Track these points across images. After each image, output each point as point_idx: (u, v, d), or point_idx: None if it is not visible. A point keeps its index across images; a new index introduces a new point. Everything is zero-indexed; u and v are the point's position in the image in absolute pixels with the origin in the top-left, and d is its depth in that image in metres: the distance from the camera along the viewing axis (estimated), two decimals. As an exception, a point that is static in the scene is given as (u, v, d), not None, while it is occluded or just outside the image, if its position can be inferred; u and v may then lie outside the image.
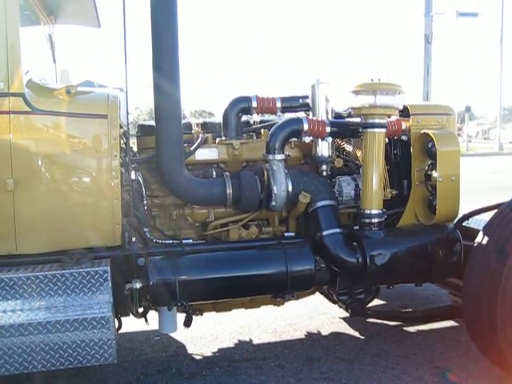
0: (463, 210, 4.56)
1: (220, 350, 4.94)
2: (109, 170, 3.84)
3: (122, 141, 4.05)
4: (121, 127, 4.00)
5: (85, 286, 3.72)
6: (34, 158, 3.70)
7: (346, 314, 5.25)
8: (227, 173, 4.37)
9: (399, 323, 5.37)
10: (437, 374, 4.35)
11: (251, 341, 5.13)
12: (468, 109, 39.13)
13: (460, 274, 4.32)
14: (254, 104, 4.61)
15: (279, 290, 4.29)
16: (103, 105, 3.87)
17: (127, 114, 4.02)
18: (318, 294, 5.19)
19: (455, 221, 4.58)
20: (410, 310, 5.76)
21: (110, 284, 3.75)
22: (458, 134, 5.04)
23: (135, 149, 4.64)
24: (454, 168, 4.44)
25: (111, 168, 3.84)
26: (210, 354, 4.88)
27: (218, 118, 4.82)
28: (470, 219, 4.59)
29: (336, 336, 5.18)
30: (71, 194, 3.80)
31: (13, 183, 3.64)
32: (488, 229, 4.08)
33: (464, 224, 4.57)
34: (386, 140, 4.47)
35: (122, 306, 4.13)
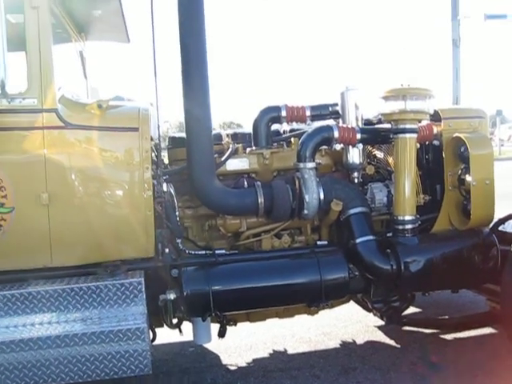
0: (498, 214, 4.48)
1: (254, 361, 4.92)
2: (141, 183, 3.88)
3: (153, 153, 4.09)
4: (152, 140, 4.05)
5: (119, 298, 3.76)
6: (67, 172, 3.76)
7: (381, 323, 5.20)
8: (258, 182, 4.37)
9: (436, 331, 5.29)
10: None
11: (286, 350, 5.10)
12: (499, 112, 38.56)
13: (497, 280, 4.25)
14: (284, 113, 4.60)
15: (313, 298, 4.27)
16: (134, 118, 3.92)
17: (158, 126, 4.06)
18: (352, 303, 5.15)
19: (491, 225, 4.51)
20: (447, 317, 5.67)
21: (144, 295, 3.78)
22: (490, 138, 4.96)
23: (166, 161, 4.67)
24: (487, 171, 4.37)
25: (143, 180, 3.88)
26: (244, 364, 4.87)
27: (248, 129, 4.83)
28: (507, 223, 4.50)
29: (371, 345, 5.13)
30: (105, 206, 3.85)
31: (48, 197, 3.70)
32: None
33: (500, 228, 4.49)
34: (418, 145, 4.42)
35: (156, 317, 4.16)
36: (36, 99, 3.70)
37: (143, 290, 3.78)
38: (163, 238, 4.02)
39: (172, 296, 3.97)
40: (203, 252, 4.27)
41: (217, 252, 4.24)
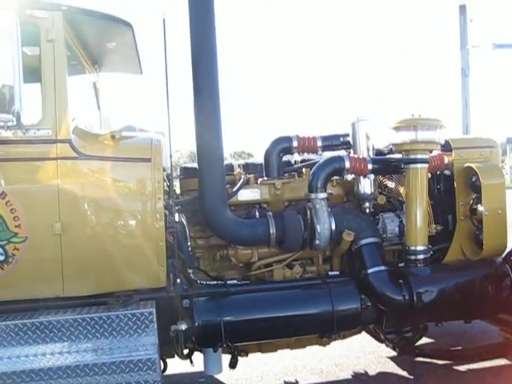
0: (511, 244, 4.45)
1: (266, 392, 4.88)
2: (153, 213, 3.90)
3: (165, 183, 4.11)
4: (164, 170, 4.07)
5: (130, 328, 3.75)
6: (80, 202, 3.79)
7: (394, 353, 5.13)
8: (270, 213, 4.37)
9: (449, 362, 5.22)
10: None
11: (297, 382, 5.05)
12: (510, 140, 38.51)
13: (510, 310, 4.20)
14: (295, 144, 4.63)
15: (325, 329, 4.25)
16: (147, 149, 3.96)
17: (170, 157, 4.10)
18: (364, 333, 5.10)
19: (503, 255, 4.48)
20: (460, 348, 5.59)
21: (156, 326, 3.77)
22: (501, 166, 4.97)
23: (178, 191, 4.69)
24: (499, 201, 4.37)
25: (155, 210, 3.90)
26: (255, 395, 4.82)
27: (259, 159, 4.86)
28: (520, 253, 4.48)
29: (384, 376, 5.07)
30: (117, 236, 3.87)
31: (60, 227, 3.73)
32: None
33: (513, 258, 4.46)
34: (429, 175, 4.43)
35: (168, 347, 4.13)
36: (50, 130, 3.76)
37: (154, 320, 3.77)
38: (175, 268, 4.02)
39: (183, 326, 3.95)
40: (215, 282, 4.27)
41: (228, 282, 4.24)
